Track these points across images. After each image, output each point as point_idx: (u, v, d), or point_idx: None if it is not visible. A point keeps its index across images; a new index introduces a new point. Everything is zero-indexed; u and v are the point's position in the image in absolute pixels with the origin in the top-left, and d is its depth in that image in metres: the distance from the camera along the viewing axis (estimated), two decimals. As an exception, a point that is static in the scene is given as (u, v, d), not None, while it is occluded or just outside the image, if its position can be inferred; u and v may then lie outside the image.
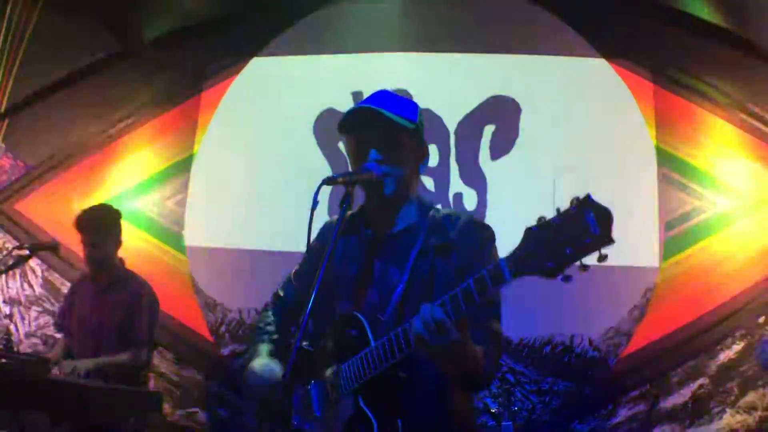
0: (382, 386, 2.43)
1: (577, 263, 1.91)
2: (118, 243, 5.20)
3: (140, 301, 5.05)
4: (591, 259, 1.90)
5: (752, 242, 5.70)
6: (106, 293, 5.07)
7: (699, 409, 5.57)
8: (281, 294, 3.03)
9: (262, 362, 2.74)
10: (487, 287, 2.11)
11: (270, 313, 3.02)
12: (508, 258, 2.06)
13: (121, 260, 5.23)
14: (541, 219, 1.99)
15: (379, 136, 2.60)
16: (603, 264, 1.89)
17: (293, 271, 3.02)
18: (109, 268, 5.12)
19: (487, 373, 2.51)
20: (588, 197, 1.90)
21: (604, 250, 1.88)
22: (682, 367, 5.65)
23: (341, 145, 6.15)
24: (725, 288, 5.68)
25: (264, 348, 2.86)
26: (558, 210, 1.95)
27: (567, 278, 1.94)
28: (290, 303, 2.97)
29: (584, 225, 1.87)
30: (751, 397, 5.51)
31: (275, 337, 2.92)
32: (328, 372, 2.58)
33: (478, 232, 2.66)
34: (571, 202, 1.92)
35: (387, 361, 2.35)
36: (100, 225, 5.09)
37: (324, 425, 2.57)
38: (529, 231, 2.02)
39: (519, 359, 5.70)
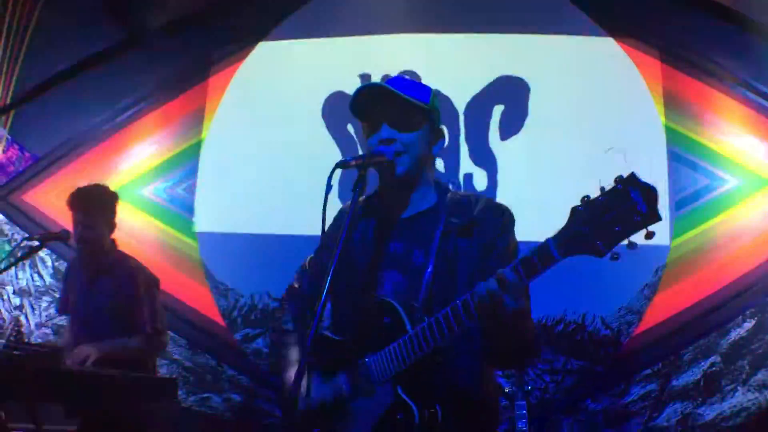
0: (420, 373, 2.40)
1: (625, 241, 1.94)
2: (111, 225, 5.00)
3: (135, 287, 4.89)
4: (637, 237, 1.93)
5: (762, 220, 5.68)
6: (98, 278, 4.94)
7: (711, 387, 5.57)
8: (296, 286, 3.01)
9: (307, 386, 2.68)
10: (536, 269, 2.11)
11: (289, 309, 3.01)
12: (556, 237, 2.07)
13: (113, 242, 5.04)
14: (585, 198, 2.01)
15: (390, 112, 2.59)
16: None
17: (308, 260, 3.00)
18: (100, 251, 4.94)
19: (537, 346, 2.52)
20: (633, 175, 1.94)
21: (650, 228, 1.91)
22: (693, 345, 5.65)
23: (350, 128, 6.17)
24: (736, 266, 5.67)
25: (293, 351, 2.86)
26: (602, 189, 1.97)
27: (615, 256, 1.97)
28: (307, 292, 2.94)
29: (631, 203, 1.91)
30: (762, 375, 5.51)
31: (297, 334, 2.91)
32: (361, 361, 2.54)
33: (499, 214, 2.65)
34: (616, 181, 1.94)
35: (429, 346, 2.33)
36: (94, 204, 4.91)
37: (358, 416, 2.53)
38: (575, 210, 2.03)
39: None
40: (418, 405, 2.38)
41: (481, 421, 2.60)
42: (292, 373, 2.74)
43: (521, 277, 2.14)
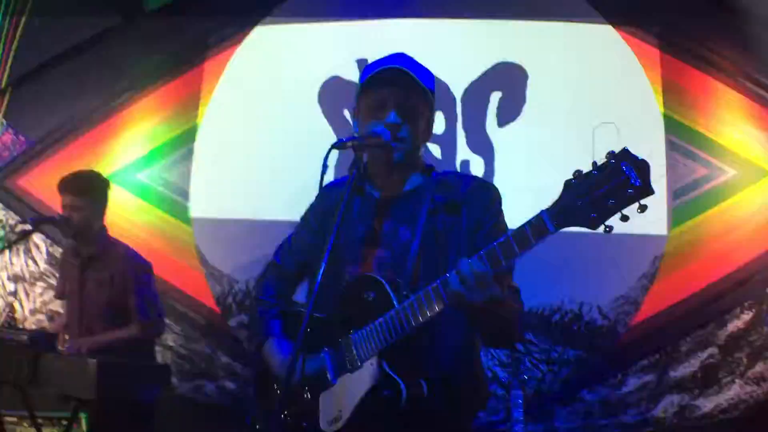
0: (406, 349, 2.40)
1: (617, 214, 1.98)
2: (100, 211, 4.96)
3: (126, 275, 4.84)
4: (630, 210, 1.98)
5: (760, 211, 5.66)
6: (89, 267, 4.90)
7: (708, 379, 5.56)
8: (278, 262, 3.00)
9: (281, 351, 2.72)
10: (528, 241, 2.13)
11: (268, 283, 3.00)
12: (549, 210, 2.09)
13: (104, 228, 4.99)
14: (577, 172, 2.04)
15: (401, 98, 2.60)
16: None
17: (289, 237, 3.00)
18: (90, 237, 4.90)
19: (520, 327, 2.54)
20: (625, 150, 1.98)
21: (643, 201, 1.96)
22: (691, 336, 5.64)
23: (347, 113, 6.15)
24: (734, 257, 5.66)
25: (275, 326, 2.84)
26: (594, 163, 2.01)
27: (609, 228, 2.01)
28: (288, 270, 2.95)
29: (624, 177, 1.95)
30: (760, 367, 5.51)
31: (278, 309, 2.90)
32: (344, 338, 2.53)
33: (486, 191, 2.69)
34: (608, 156, 1.99)
35: (416, 322, 2.33)
36: (82, 188, 4.87)
37: (342, 393, 2.52)
38: (568, 183, 2.07)
39: (528, 328, 5.68)
40: (406, 382, 2.37)
41: (466, 398, 2.62)
42: (269, 350, 2.77)
43: (486, 265, 2.18)
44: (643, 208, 1.96)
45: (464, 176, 2.76)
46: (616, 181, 1.96)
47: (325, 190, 2.78)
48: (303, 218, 2.97)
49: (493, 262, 2.18)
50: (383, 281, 2.47)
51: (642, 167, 1.95)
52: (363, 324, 2.47)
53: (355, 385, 2.47)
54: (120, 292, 4.83)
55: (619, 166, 1.96)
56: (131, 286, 4.85)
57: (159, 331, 5.06)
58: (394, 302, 2.41)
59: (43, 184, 6.70)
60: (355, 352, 2.49)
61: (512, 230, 2.18)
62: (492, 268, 2.18)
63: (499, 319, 2.38)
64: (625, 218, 1.98)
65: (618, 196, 1.97)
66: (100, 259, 4.91)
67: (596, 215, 2.00)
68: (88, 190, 4.91)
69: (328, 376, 2.56)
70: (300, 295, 2.99)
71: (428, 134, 2.77)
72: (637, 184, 1.94)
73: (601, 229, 2.02)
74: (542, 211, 2.10)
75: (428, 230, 2.58)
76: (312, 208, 2.95)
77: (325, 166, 2.40)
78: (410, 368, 2.41)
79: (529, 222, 2.13)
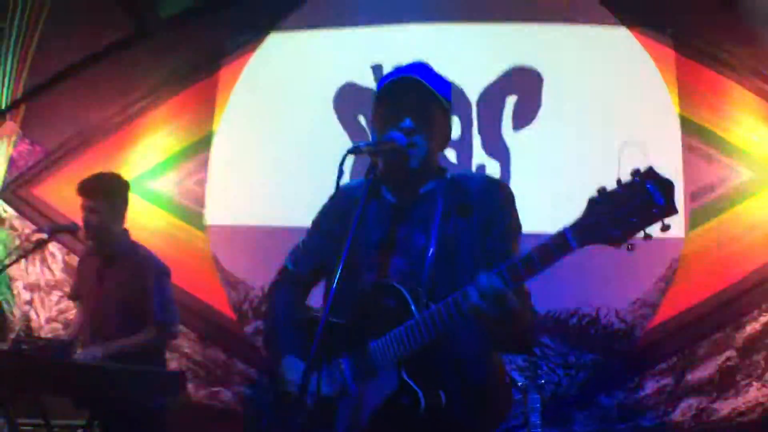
0: (425, 357, 2.39)
1: (640, 233, 1.99)
2: (119, 213, 4.95)
3: (145, 277, 4.84)
4: (653, 229, 1.99)
5: (778, 212, 5.62)
6: (108, 267, 4.88)
7: (726, 382, 5.51)
8: (290, 267, 2.98)
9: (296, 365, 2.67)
10: (552, 257, 2.14)
11: (279, 291, 2.99)
12: (573, 226, 2.10)
13: (125, 231, 5.00)
14: (602, 190, 2.05)
15: (416, 107, 2.60)
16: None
17: (301, 241, 2.99)
18: (109, 239, 4.89)
19: (535, 333, 2.56)
20: (650, 169, 1.99)
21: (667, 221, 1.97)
22: (708, 339, 5.60)
23: (362, 119, 6.16)
24: (751, 259, 5.61)
25: (289, 338, 2.82)
26: (619, 181, 2.01)
27: (631, 247, 2.03)
28: (301, 275, 2.94)
29: (648, 196, 1.95)
30: (777, 370, 5.45)
31: (289, 319, 2.88)
32: (363, 345, 2.52)
33: (498, 191, 2.70)
34: (632, 174, 1.99)
35: (436, 332, 2.33)
36: (101, 190, 4.86)
37: (360, 401, 2.51)
38: (592, 201, 2.07)
39: (545, 332, 5.66)
40: (424, 390, 2.37)
41: (487, 408, 2.60)
42: (286, 362, 2.72)
43: (507, 282, 2.19)
44: (665, 228, 1.97)
45: (475, 176, 2.79)
46: (640, 199, 1.97)
47: (338, 193, 2.77)
48: (314, 222, 2.97)
49: (514, 278, 2.20)
50: (402, 289, 2.47)
51: (667, 187, 1.95)
52: (381, 331, 2.46)
53: (373, 394, 2.47)
54: (138, 294, 4.81)
55: (644, 184, 1.96)
56: (150, 288, 4.83)
57: (173, 336, 5.05)
58: (414, 310, 2.41)
59: (58, 193, 6.74)
60: (374, 359, 2.48)
61: (534, 247, 2.18)
62: (512, 284, 2.20)
63: (516, 328, 2.38)
64: (648, 237, 2.00)
65: (642, 215, 1.97)
66: (120, 260, 4.90)
67: (619, 233, 2.01)
68: (107, 192, 4.91)
69: (347, 383, 2.55)
70: (313, 299, 2.96)
71: (445, 143, 2.78)
72: (661, 203, 1.94)
73: (623, 247, 2.03)
74: (565, 228, 2.11)
75: (442, 234, 2.58)
76: (323, 212, 2.94)
77: (341, 171, 2.40)
78: (429, 377, 2.41)
79: (552, 238, 2.13)
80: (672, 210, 1.95)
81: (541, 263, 2.15)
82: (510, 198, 2.68)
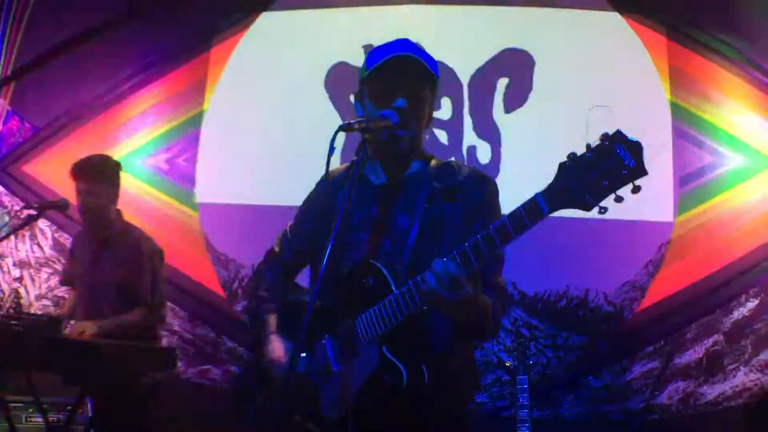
0: (406, 334, 2.40)
1: (612, 195, 1.98)
2: (114, 195, 4.99)
3: (140, 257, 4.88)
4: (623, 192, 1.98)
5: (766, 199, 5.66)
6: (104, 249, 4.92)
7: (713, 366, 5.57)
8: (277, 250, 2.98)
9: (282, 346, 2.70)
10: (524, 223, 2.13)
11: (265, 273, 2.99)
12: (544, 192, 2.09)
13: (119, 212, 5.03)
14: (572, 155, 2.04)
15: (408, 86, 2.59)
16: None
17: (289, 225, 2.98)
18: (105, 221, 4.93)
19: (493, 324, 2.54)
20: (618, 132, 1.98)
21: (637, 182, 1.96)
22: (696, 323, 5.64)
23: (353, 98, 6.13)
24: (740, 244, 5.66)
25: (273, 322, 2.82)
26: (588, 145, 2.01)
27: (603, 210, 2.01)
28: (288, 258, 2.94)
29: (618, 158, 1.96)
30: (764, 355, 5.52)
31: (275, 301, 2.88)
32: (344, 324, 2.53)
33: (483, 183, 2.70)
34: (602, 138, 1.98)
35: (416, 306, 2.33)
36: (97, 172, 4.89)
37: (343, 379, 2.51)
38: (563, 166, 2.06)
39: (534, 313, 5.70)
40: (406, 366, 2.38)
41: (463, 380, 2.65)
42: (269, 344, 2.74)
43: (459, 266, 2.20)
44: (636, 189, 1.96)
45: (462, 166, 2.76)
46: (609, 162, 1.97)
47: (323, 177, 2.81)
48: (300, 207, 2.97)
49: (476, 255, 2.21)
50: (382, 268, 2.48)
51: (635, 148, 1.95)
52: (363, 310, 2.46)
53: (356, 371, 2.47)
54: (132, 274, 4.84)
55: (612, 147, 1.96)
56: (145, 268, 4.87)
57: (160, 318, 5.05)
58: (393, 288, 2.41)
59: (48, 170, 6.72)
60: (355, 338, 2.49)
61: (507, 214, 2.18)
62: (467, 267, 2.21)
63: (472, 315, 2.39)
64: (619, 199, 1.98)
65: (612, 177, 1.97)
66: (115, 242, 4.93)
67: (590, 196, 2.01)
68: (102, 175, 4.93)
69: (330, 362, 2.56)
70: (300, 278, 2.98)
71: (430, 120, 2.77)
72: (631, 165, 1.94)
73: (595, 210, 2.02)
74: (537, 194, 2.10)
75: (426, 217, 2.59)
76: (309, 197, 2.95)
77: (331, 148, 2.38)
78: (410, 352, 2.41)
79: (524, 205, 2.13)
80: (642, 171, 1.95)
81: (515, 230, 2.15)
82: (495, 192, 2.69)
